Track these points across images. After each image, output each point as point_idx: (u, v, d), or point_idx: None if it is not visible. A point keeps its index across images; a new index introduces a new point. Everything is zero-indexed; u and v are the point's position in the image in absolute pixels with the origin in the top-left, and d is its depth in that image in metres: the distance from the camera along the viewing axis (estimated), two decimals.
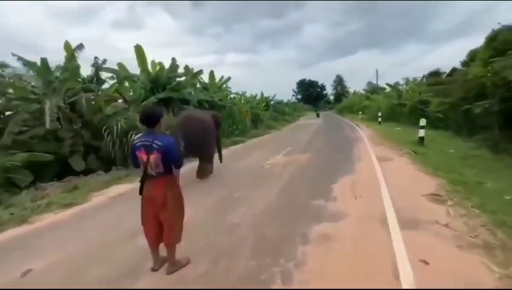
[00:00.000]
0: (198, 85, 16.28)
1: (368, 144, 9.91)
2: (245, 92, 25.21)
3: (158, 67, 12.14)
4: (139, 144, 2.38)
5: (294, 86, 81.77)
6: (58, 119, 7.58)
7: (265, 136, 16.08)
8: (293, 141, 12.27)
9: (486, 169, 6.20)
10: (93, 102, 8.79)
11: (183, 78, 12.71)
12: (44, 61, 7.92)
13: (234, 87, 27.68)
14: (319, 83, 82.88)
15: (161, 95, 11.38)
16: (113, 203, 4.76)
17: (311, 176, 5.63)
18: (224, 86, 18.88)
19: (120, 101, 10.80)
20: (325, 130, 17.67)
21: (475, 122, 14.44)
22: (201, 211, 4.02)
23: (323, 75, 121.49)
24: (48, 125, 6.65)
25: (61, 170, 7.62)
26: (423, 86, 21.41)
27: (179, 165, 2.51)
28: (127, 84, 11.95)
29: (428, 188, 4.29)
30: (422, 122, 9.03)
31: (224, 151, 10.39)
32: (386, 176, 5.15)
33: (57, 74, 8.35)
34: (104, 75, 11.22)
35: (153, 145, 2.32)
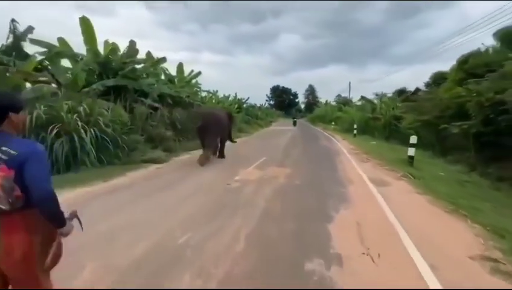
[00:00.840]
0: (163, 77, 14.16)
1: (352, 159, 8.72)
2: (217, 91, 23.36)
3: (111, 48, 9.87)
4: None
5: (268, 92, 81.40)
6: None
7: (236, 141, 14.37)
8: (267, 149, 10.75)
9: (496, 201, 5.18)
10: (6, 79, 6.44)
11: (141, 66, 10.55)
12: None
13: (207, 87, 25.63)
14: (292, 91, 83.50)
15: (110, 82, 9.16)
16: None
17: (295, 207, 4.06)
18: (194, 81, 16.88)
19: (54, 85, 8.43)
20: (301, 138, 16.48)
21: (446, 142, 14.26)
22: (112, 276, 2.22)
23: (296, 84, 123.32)
24: None
25: None
26: (397, 101, 21.39)
27: (43, 196, 1.28)
28: (69, 64, 9.55)
29: (468, 241, 2.96)
30: (413, 139, 8.03)
31: (183, 158, 8.56)
32: (396, 212, 3.77)
33: None
34: (34, 49, 8.72)
35: None
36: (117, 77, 9.59)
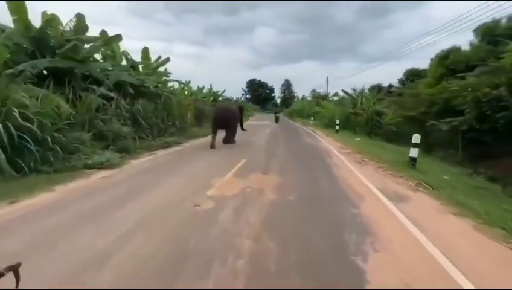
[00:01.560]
0: (124, 62, 12.07)
1: (346, 160, 7.52)
2: (189, 82, 21.35)
3: (47, 19, 7.71)
4: None
5: (244, 85, 79.44)
6: None
7: (210, 138, 12.70)
8: (247, 149, 9.28)
9: None
10: None
11: (90, 45, 8.47)
12: None
13: (181, 78, 22.62)
14: (269, 85, 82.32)
15: (44, 63, 7.10)
16: None
17: (299, 251, 2.63)
18: (163, 69, 14.84)
19: None
20: (282, 135, 15.18)
21: (429, 138, 13.76)
22: None
23: (271, 78, 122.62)
24: None
25: None
26: (377, 97, 20.87)
27: None
28: None
29: None
30: (416, 138, 6.97)
31: (143, 161, 6.86)
32: (447, 254, 2.51)
33: None
34: None
35: None
36: (55, 57, 7.52)
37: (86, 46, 8.54)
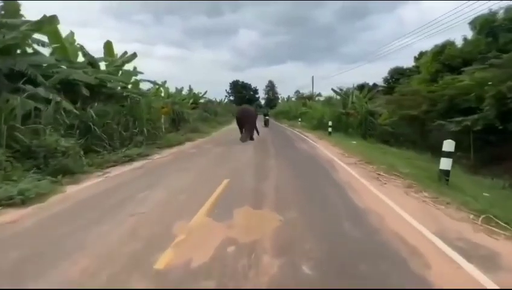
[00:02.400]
0: (81, 58, 9.95)
1: (357, 175, 5.85)
2: (165, 82, 19.19)
3: None
4: None
5: (227, 87, 77.40)
6: None
7: (187, 146, 10.77)
8: (231, 159, 7.44)
9: None
10: None
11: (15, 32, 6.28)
12: None
13: (163, 80, 19.86)
14: (252, 86, 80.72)
15: None
16: None
17: None
18: (131, 67, 12.67)
19: None
20: (271, 139, 13.39)
21: (429, 138, 12.55)
22: None
23: (254, 80, 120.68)
24: None
25: None
26: (369, 95, 19.64)
27: None
28: None
29: None
30: (449, 146, 5.35)
31: (85, 187, 4.86)
32: None
33: None
34: None
35: None
36: None
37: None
